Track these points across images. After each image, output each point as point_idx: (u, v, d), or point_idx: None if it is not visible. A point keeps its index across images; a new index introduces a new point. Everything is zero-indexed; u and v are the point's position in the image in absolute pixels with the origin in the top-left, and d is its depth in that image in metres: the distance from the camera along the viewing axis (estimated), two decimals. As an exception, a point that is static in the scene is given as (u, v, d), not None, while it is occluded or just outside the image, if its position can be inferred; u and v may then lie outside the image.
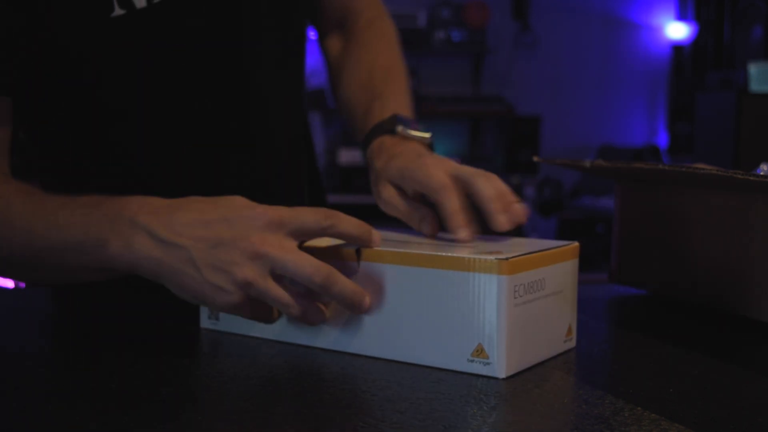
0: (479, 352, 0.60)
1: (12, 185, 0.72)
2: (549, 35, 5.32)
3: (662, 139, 5.55)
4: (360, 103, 0.91)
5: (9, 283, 2.88)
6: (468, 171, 0.72)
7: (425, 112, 5.00)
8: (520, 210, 0.69)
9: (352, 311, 0.64)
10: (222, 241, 0.60)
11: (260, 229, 0.60)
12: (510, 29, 5.27)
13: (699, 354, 0.67)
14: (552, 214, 4.93)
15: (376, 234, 0.65)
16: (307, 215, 0.62)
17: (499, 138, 5.25)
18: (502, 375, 0.59)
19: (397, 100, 0.90)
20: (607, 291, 0.92)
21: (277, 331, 0.68)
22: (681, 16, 5.53)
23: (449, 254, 0.61)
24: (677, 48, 5.55)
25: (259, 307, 0.64)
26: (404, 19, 4.86)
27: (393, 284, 0.63)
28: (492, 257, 0.59)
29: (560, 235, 4.74)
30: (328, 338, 0.66)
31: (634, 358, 0.67)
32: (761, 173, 0.77)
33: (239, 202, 0.62)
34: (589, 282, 0.99)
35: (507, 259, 0.59)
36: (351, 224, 0.63)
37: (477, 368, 0.60)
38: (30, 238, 0.67)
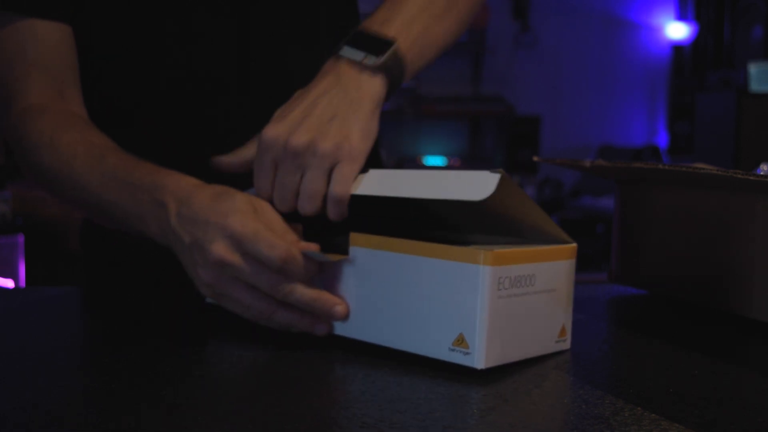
0: (460, 341, 0.60)
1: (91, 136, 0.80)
2: (549, 35, 5.32)
3: (662, 139, 5.55)
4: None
5: (9, 283, 2.88)
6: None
7: (425, 112, 5.00)
8: None
9: (323, 316, 0.66)
10: (196, 241, 0.65)
11: (222, 239, 0.63)
12: (510, 29, 5.27)
13: (699, 354, 0.66)
14: (552, 214, 4.94)
15: (341, 307, 0.66)
16: (265, 250, 0.62)
17: (499, 138, 5.25)
18: (480, 366, 0.59)
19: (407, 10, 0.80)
20: (607, 291, 0.92)
21: None
22: (681, 16, 5.53)
23: (435, 242, 0.61)
24: (677, 48, 5.55)
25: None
26: (404, 19, 4.84)
27: (379, 269, 0.64)
28: (478, 247, 0.60)
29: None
30: None
31: (634, 358, 0.67)
32: (761, 173, 0.77)
33: (231, 205, 0.64)
34: (589, 282, 0.99)
35: (491, 249, 0.59)
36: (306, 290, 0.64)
37: (457, 357, 0.60)
38: (88, 196, 0.76)
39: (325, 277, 0.67)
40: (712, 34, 5.30)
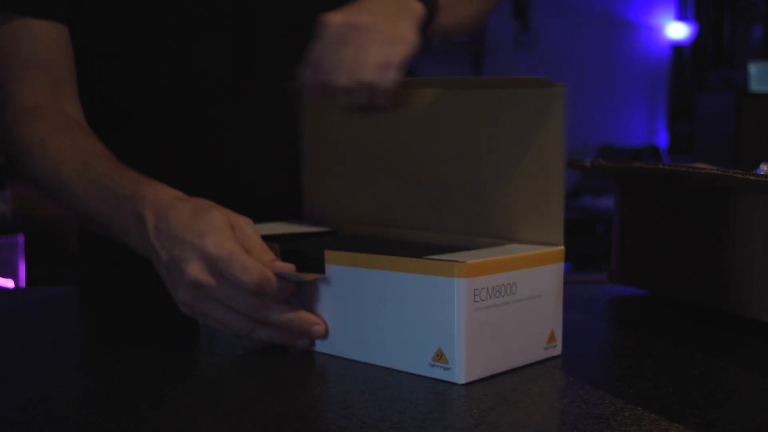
0: (439, 356, 0.59)
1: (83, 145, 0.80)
2: (549, 35, 5.32)
3: (662, 139, 5.55)
4: None
5: (9, 283, 2.89)
6: None
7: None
8: None
9: (304, 335, 0.65)
10: (172, 259, 0.64)
11: (197, 260, 0.63)
12: (510, 29, 5.27)
13: (699, 354, 0.67)
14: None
15: (319, 327, 0.65)
16: (239, 273, 0.62)
17: (499, 138, 5.24)
18: (461, 380, 0.58)
19: None
20: (607, 291, 0.92)
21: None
22: (681, 16, 5.53)
23: (408, 256, 0.60)
24: (677, 48, 5.55)
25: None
26: (404, 19, 4.85)
27: (355, 286, 0.63)
28: (450, 259, 0.58)
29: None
30: None
31: (634, 358, 0.67)
32: (761, 173, 0.77)
33: (208, 224, 0.63)
34: (589, 282, 0.99)
35: (464, 261, 0.57)
36: (283, 314, 0.64)
37: (437, 373, 0.59)
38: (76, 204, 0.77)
39: (303, 294, 0.66)
40: (712, 34, 5.29)
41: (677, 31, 5.47)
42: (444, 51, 5.07)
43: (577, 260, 4.59)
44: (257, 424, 0.51)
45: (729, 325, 0.76)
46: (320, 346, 0.66)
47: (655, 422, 0.50)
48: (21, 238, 2.98)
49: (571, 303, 0.85)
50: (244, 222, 0.66)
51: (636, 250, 0.89)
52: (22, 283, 2.94)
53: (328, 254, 0.64)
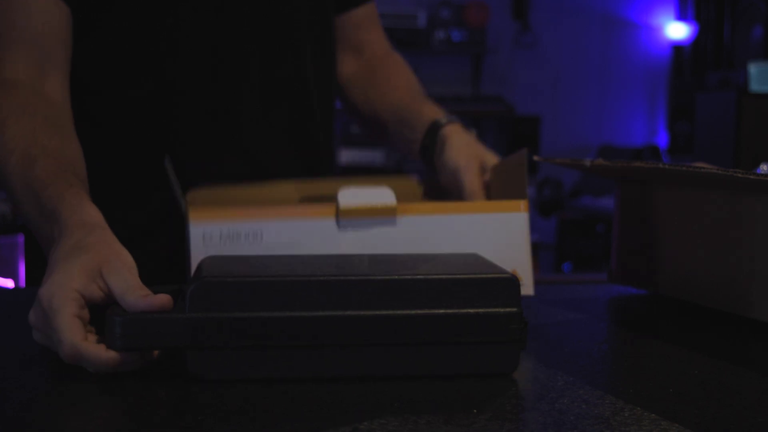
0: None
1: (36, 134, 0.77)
2: (549, 35, 5.32)
3: (662, 139, 5.55)
4: (412, 103, 1.02)
5: (9, 283, 2.88)
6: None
7: (425, 112, 4.99)
8: None
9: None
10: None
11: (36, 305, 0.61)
12: (510, 29, 5.27)
13: (699, 354, 0.67)
14: (552, 214, 4.93)
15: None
16: (101, 359, 0.58)
17: (499, 138, 5.25)
18: (531, 293, 0.74)
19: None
20: (607, 291, 0.92)
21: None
22: (681, 16, 5.53)
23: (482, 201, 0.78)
24: (677, 48, 5.55)
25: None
26: (404, 19, 4.85)
27: (435, 231, 0.72)
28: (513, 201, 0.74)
29: (560, 235, 4.74)
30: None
31: (634, 358, 0.67)
32: (761, 173, 0.77)
33: (55, 283, 0.60)
34: (589, 282, 0.99)
35: (524, 199, 0.75)
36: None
37: None
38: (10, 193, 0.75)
39: (377, 242, 0.72)
40: (712, 34, 5.29)
41: (677, 31, 5.47)
42: (444, 51, 5.07)
43: (577, 260, 4.59)
44: (257, 424, 0.51)
45: (729, 325, 0.76)
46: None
47: (655, 422, 0.50)
48: (21, 238, 2.98)
49: (571, 303, 0.85)
50: (119, 264, 0.61)
51: (636, 250, 0.89)
52: (22, 283, 2.94)
53: (400, 206, 0.72)
